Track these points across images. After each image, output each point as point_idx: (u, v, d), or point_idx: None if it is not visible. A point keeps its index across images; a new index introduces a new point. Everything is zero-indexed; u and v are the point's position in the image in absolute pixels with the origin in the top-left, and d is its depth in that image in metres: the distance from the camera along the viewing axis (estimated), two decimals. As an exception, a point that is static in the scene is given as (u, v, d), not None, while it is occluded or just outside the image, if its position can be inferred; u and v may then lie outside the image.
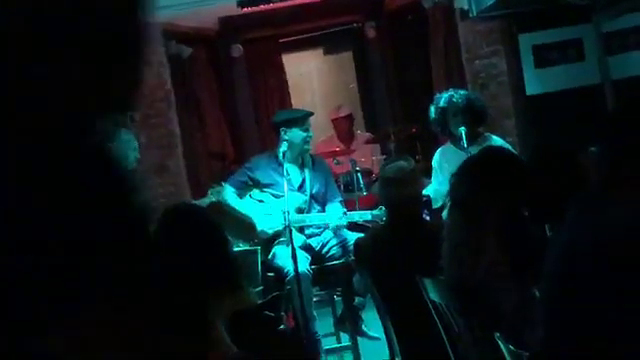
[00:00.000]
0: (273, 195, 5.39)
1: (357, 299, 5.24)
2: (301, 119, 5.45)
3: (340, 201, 5.59)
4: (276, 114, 5.86)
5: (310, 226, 5.42)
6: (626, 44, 5.88)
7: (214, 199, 5.58)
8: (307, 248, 5.33)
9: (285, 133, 5.36)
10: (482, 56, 6.58)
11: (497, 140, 5.08)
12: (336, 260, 5.31)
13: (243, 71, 8.78)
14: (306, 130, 5.41)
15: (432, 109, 5.14)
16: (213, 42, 8.47)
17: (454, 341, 3.15)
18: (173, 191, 6.74)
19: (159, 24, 6.92)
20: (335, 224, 5.27)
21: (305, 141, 5.41)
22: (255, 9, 7.23)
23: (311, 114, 5.62)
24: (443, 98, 5.08)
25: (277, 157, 5.37)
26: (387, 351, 4.01)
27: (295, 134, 5.37)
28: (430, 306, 3.32)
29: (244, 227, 5.32)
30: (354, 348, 5.20)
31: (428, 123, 5.37)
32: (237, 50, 8.58)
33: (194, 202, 5.81)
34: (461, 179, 3.18)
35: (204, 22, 8.08)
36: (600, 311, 2.00)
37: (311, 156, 5.66)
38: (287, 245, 4.99)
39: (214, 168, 8.05)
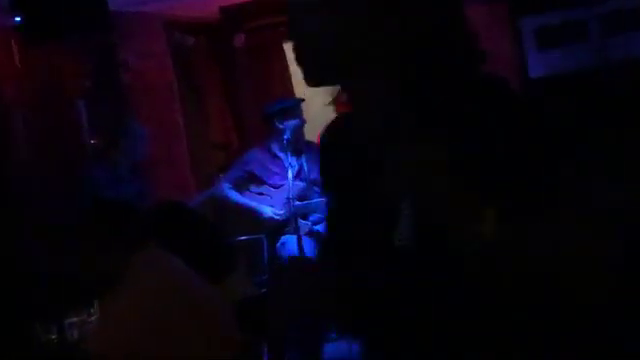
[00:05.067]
0: (271, 186, 5.40)
1: None
2: (292, 108, 5.44)
3: None
4: (266, 106, 5.80)
5: (315, 212, 5.43)
6: (627, 25, 5.86)
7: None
8: (314, 235, 5.35)
9: (280, 123, 5.36)
10: (484, 39, 6.53)
11: None
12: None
13: (246, 60, 8.76)
14: (299, 117, 5.40)
15: None
16: (215, 31, 8.45)
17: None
18: (178, 182, 6.75)
19: (161, 15, 6.92)
20: None
21: (299, 128, 5.38)
22: (257, -3, 7.21)
23: (302, 100, 5.59)
24: None
25: (270, 148, 5.39)
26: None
27: (289, 123, 5.36)
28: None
29: (250, 218, 5.34)
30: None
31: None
32: (239, 39, 8.57)
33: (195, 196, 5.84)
34: None
35: (206, 11, 8.06)
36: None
37: (306, 142, 5.68)
38: (293, 234, 5.01)
39: (218, 158, 8.05)
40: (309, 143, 5.77)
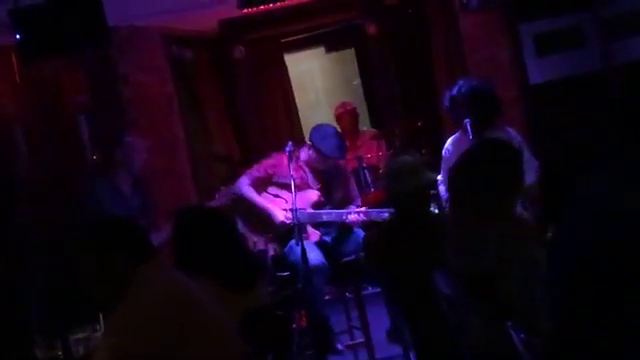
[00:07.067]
0: (289, 191, 5.42)
1: None
2: (325, 155, 5.47)
3: (357, 205, 5.61)
4: (319, 127, 5.66)
5: (325, 223, 5.45)
6: (626, 29, 5.87)
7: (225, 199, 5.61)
8: (322, 244, 5.37)
9: (309, 147, 5.50)
10: (483, 47, 6.56)
11: (509, 132, 5.03)
12: (349, 256, 5.34)
13: (246, 72, 8.77)
14: (322, 160, 5.48)
15: (446, 97, 5.14)
16: (215, 44, 8.46)
17: (466, 334, 3.15)
18: (179, 195, 6.74)
19: (160, 28, 6.94)
20: (353, 221, 5.33)
21: (315, 162, 5.51)
22: (255, 10, 7.21)
23: (340, 157, 5.63)
24: (456, 86, 5.07)
25: (298, 158, 5.47)
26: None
27: (313, 156, 5.49)
28: (442, 298, 3.32)
29: (262, 218, 5.38)
30: (368, 344, 5.21)
31: (432, 117, 5.36)
32: (239, 51, 8.57)
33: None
34: (457, 172, 3.20)
35: (205, 24, 8.07)
36: (613, 299, 1.99)
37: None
38: (298, 242, 5.04)
39: (220, 170, 8.05)
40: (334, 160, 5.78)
